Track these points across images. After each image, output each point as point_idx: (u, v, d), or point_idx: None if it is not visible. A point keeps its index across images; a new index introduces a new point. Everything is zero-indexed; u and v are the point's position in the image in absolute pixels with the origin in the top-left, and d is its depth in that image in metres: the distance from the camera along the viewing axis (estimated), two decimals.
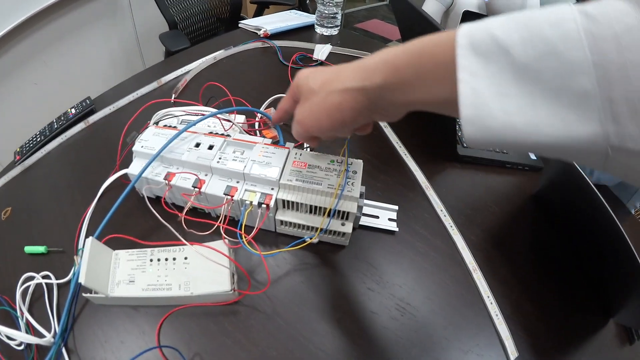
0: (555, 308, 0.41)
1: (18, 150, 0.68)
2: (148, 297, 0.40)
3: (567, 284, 0.43)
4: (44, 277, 0.43)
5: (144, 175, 0.44)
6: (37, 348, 0.39)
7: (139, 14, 1.91)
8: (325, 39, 0.92)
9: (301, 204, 0.41)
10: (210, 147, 0.45)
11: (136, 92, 0.72)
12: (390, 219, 0.47)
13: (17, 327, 0.40)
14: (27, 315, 0.41)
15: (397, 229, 0.46)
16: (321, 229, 0.41)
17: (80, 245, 0.45)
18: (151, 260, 0.41)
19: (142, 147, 0.46)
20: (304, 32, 0.93)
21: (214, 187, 0.42)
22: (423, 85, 0.26)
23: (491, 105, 0.22)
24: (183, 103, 0.67)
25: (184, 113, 0.50)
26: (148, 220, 0.47)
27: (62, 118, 0.70)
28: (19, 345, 0.39)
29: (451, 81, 0.23)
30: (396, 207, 0.48)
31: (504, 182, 0.55)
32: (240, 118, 0.58)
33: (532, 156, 0.58)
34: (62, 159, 0.63)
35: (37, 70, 1.62)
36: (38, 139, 0.67)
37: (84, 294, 0.40)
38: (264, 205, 0.41)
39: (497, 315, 0.39)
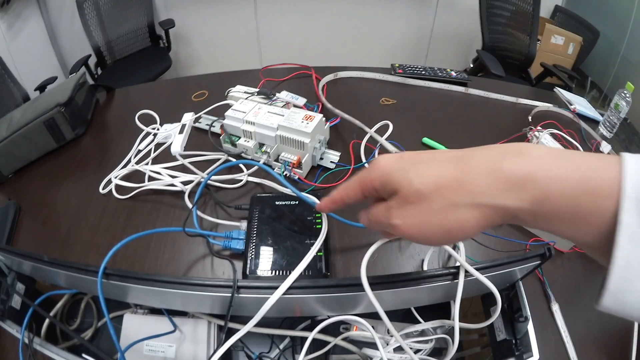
0: None
1: (397, 65, 1.01)
2: None
3: None
4: None
5: None
6: None
7: (444, 12, 2.05)
8: (602, 136, 1.14)
9: None
10: None
11: (505, 96, 1.01)
12: None
13: None
14: None
15: None
16: None
17: None
18: None
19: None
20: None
21: None
22: (572, 222, 0.23)
23: (636, 284, 0.20)
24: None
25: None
26: None
27: (443, 71, 1.01)
28: None
29: (605, 232, 0.21)
30: None
31: None
32: None
33: None
34: (437, 101, 0.93)
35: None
36: (419, 71, 0.99)
37: None
38: None
39: None
